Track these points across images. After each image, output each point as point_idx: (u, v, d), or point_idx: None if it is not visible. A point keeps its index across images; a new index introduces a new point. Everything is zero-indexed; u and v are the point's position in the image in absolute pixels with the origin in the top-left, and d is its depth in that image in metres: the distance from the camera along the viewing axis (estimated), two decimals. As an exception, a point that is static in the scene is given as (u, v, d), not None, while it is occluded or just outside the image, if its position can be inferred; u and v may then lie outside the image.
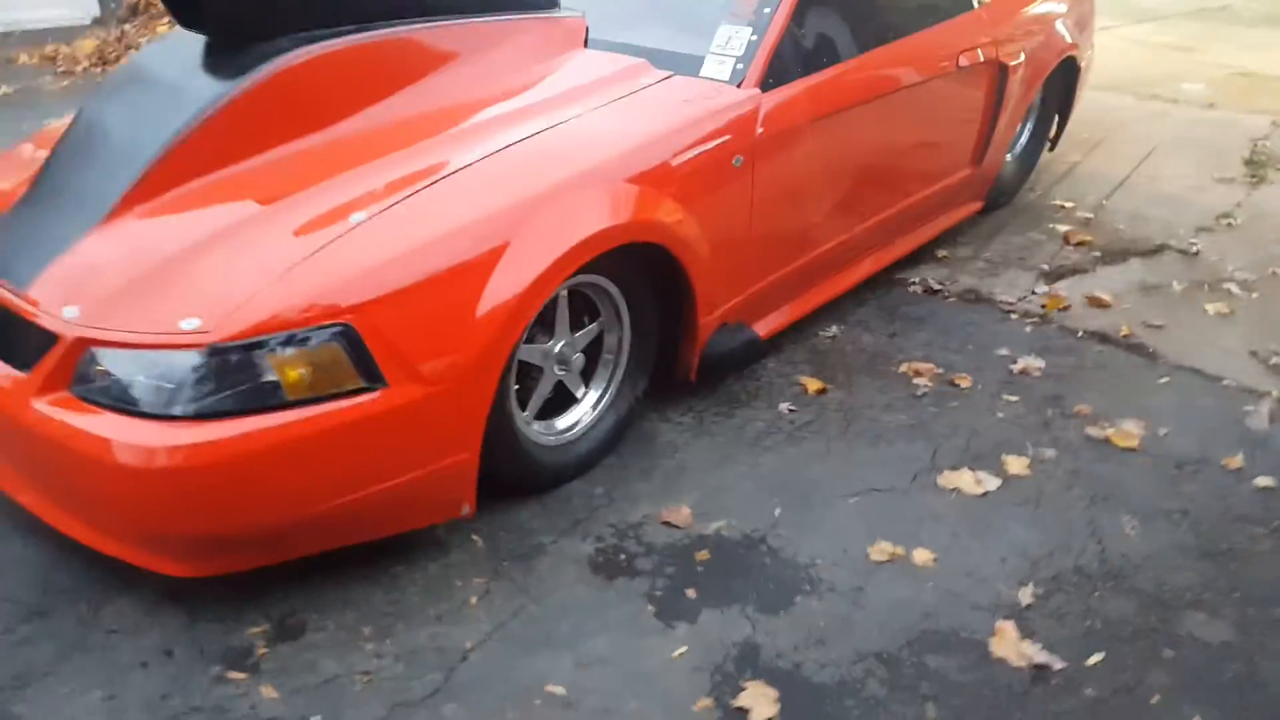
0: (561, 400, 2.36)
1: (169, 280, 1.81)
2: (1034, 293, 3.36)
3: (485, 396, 1.93)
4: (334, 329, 1.74)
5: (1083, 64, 4.07)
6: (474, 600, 1.97)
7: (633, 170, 2.18)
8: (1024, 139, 4.17)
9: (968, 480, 2.36)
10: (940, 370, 2.86)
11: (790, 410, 2.66)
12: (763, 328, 2.78)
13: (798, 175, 2.67)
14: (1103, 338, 3.06)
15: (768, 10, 2.60)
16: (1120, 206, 4.14)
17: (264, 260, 1.81)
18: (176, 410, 1.70)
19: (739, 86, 2.48)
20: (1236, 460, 2.45)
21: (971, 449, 2.50)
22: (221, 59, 2.16)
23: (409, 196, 1.94)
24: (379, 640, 1.86)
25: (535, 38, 2.58)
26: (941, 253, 3.66)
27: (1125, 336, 3.06)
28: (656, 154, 2.24)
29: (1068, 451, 2.49)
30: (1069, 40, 3.85)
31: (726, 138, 2.37)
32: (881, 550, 2.12)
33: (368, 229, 1.86)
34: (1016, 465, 2.42)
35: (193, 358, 1.70)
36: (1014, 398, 2.73)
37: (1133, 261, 3.62)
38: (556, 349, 2.25)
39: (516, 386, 2.20)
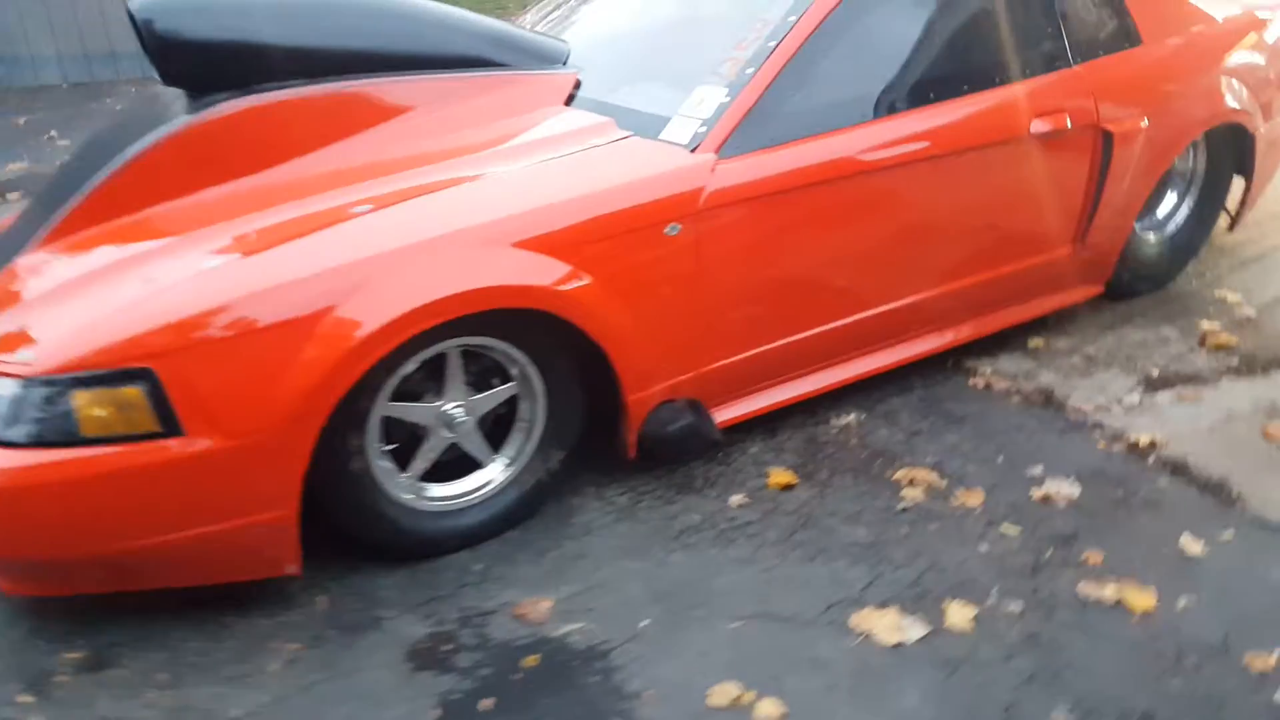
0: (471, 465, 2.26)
1: (37, 311, 1.92)
2: (1119, 403, 2.78)
3: (299, 456, 1.86)
4: (136, 374, 1.75)
5: (1258, 132, 3.34)
6: (276, 666, 1.90)
7: (528, 233, 2.03)
8: (1180, 216, 3.50)
9: (887, 624, 1.97)
10: (943, 483, 2.43)
11: (740, 505, 2.37)
12: (729, 411, 2.51)
13: (769, 250, 2.38)
14: (1177, 468, 2.46)
15: (750, 71, 2.35)
16: (1303, 305, 3.35)
17: (110, 300, 1.87)
18: (3, 435, 1.80)
19: (693, 151, 2.25)
20: (1269, 660, 1.85)
21: (920, 585, 2.08)
22: (175, 110, 2.29)
23: (269, 248, 1.93)
24: (164, 689, 1.85)
25: (509, 94, 2.50)
26: (1035, 341, 3.14)
27: (1207, 472, 2.44)
28: (562, 217, 2.07)
29: (1040, 609, 2.00)
30: (1232, 105, 3.18)
31: (656, 204, 2.17)
32: (725, 693, 1.80)
33: (206, 277, 1.87)
34: (960, 615, 1.98)
35: (14, 387, 1.78)
36: (1014, 529, 2.25)
37: (1276, 377, 2.90)
38: (446, 409, 2.15)
39: (394, 445, 2.13)
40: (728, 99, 2.32)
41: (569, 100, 2.56)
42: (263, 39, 2.28)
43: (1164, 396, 2.81)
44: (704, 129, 2.29)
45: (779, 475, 2.46)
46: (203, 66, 2.25)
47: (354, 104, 2.36)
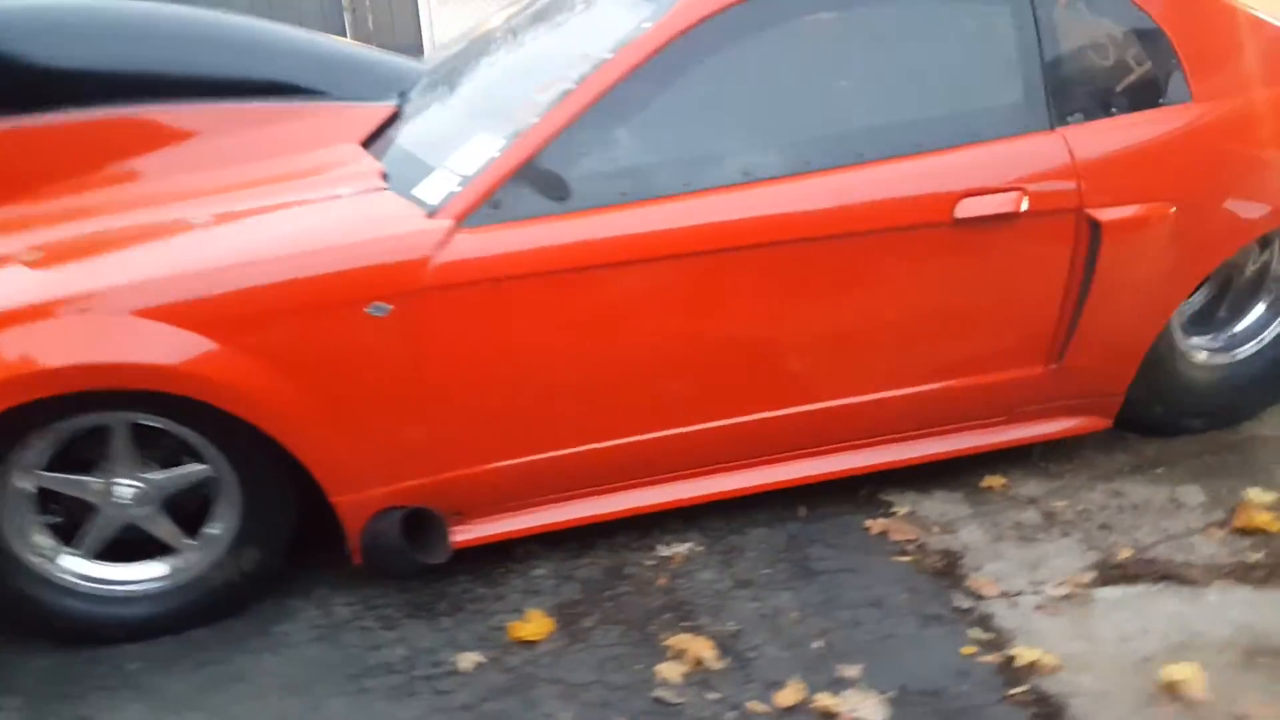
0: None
1: None
2: (1039, 591, 2.04)
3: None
4: None
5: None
6: None
7: (160, 300, 1.73)
8: (1270, 335, 2.57)
9: None
10: (719, 664, 1.88)
11: (463, 648, 1.94)
12: (495, 526, 2.09)
13: (538, 343, 1.94)
14: (1049, 711, 1.74)
15: (534, 120, 1.91)
16: None
17: None
18: None
19: (432, 215, 1.86)
20: None
21: (572, 816, 1.59)
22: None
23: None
24: None
25: (302, 126, 2.24)
26: (992, 480, 2.42)
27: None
28: (213, 284, 1.76)
29: None
30: None
31: (349, 277, 1.80)
32: None
33: None
34: None
35: None
36: (755, 760, 1.68)
37: (1307, 593, 2.02)
38: (114, 487, 1.90)
39: (58, 520, 1.93)
40: (498, 152, 1.91)
41: (371, 139, 2.23)
42: (40, 61, 2.15)
43: (1113, 594, 2.03)
44: (459, 188, 1.89)
45: (534, 621, 2.01)
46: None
47: (127, 131, 2.18)
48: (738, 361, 2.09)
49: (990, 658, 1.87)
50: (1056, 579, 2.07)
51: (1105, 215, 2.11)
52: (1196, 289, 2.59)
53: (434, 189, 1.92)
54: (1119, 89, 2.17)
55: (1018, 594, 2.04)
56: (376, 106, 2.29)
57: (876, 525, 2.28)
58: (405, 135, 2.20)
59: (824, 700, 1.77)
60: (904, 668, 1.86)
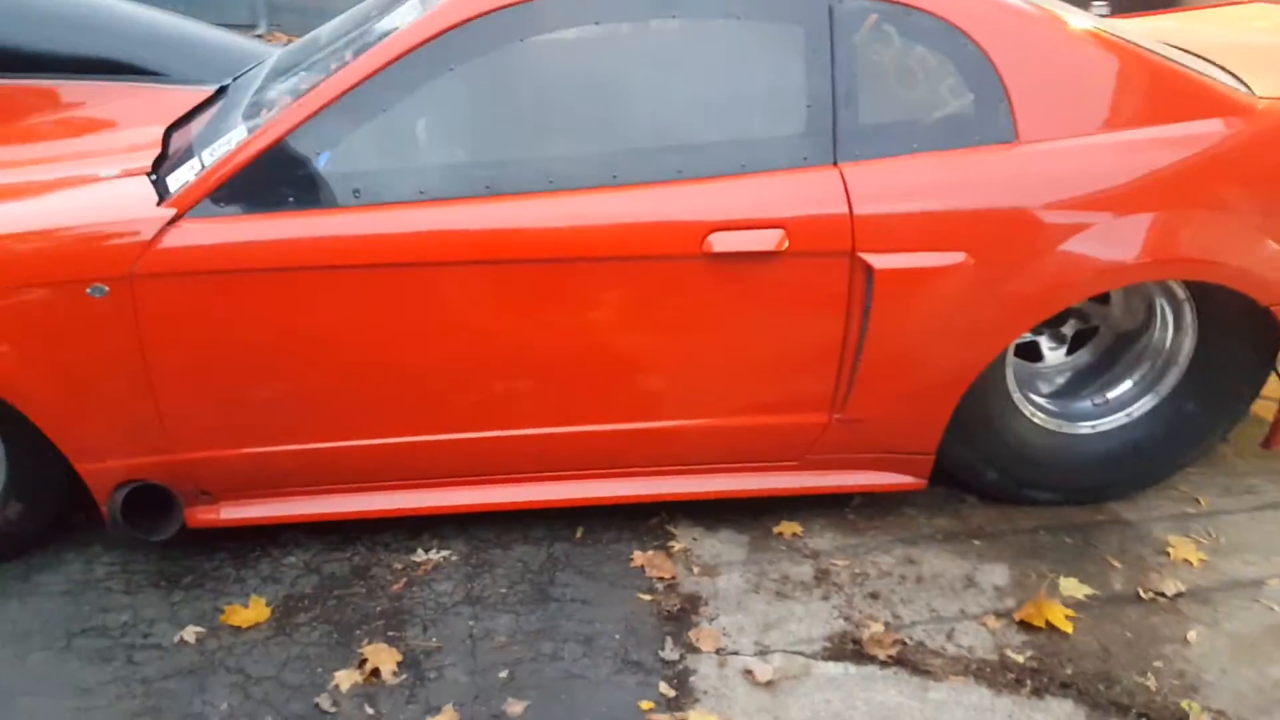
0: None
1: None
2: (762, 654, 1.92)
3: None
4: None
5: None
6: None
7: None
8: (1137, 411, 2.32)
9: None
10: (396, 679, 1.87)
11: (178, 626, 2.01)
12: (245, 510, 2.14)
13: (263, 335, 1.95)
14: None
15: (272, 112, 1.93)
16: (1257, 610, 2.06)
17: None
18: None
19: (161, 203, 1.90)
20: None
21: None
22: None
23: None
24: None
25: (122, 107, 2.32)
26: (784, 526, 2.29)
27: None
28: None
29: None
30: (1213, 256, 2.04)
31: (68, 258, 1.87)
32: None
33: None
34: None
35: None
36: (366, 781, 1.67)
37: (1054, 706, 1.81)
38: None
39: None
40: (231, 146, 1.93)
41: (183, 122, 2.29)
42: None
43: (833, 671, 1.89)
44: (194, 177, 1.92)
45: (255, 604, 2.06)
46: None
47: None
48: (485, 375, 2.05)
49: (662, 717, 1.79)
50: (786, 645, 1.95)
51: (881, 261, 1.94)
52: (1079, 349, 2.42)
53: (181, 177, 1.96)
54: (926, 124, 1.97)
55: (734, 653, 1.93)
56: (199, 90, 2.35)
57: (641, 558, 2.20)
58: (200, 122, 2.25)
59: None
60: (571, 713, 1.80)
